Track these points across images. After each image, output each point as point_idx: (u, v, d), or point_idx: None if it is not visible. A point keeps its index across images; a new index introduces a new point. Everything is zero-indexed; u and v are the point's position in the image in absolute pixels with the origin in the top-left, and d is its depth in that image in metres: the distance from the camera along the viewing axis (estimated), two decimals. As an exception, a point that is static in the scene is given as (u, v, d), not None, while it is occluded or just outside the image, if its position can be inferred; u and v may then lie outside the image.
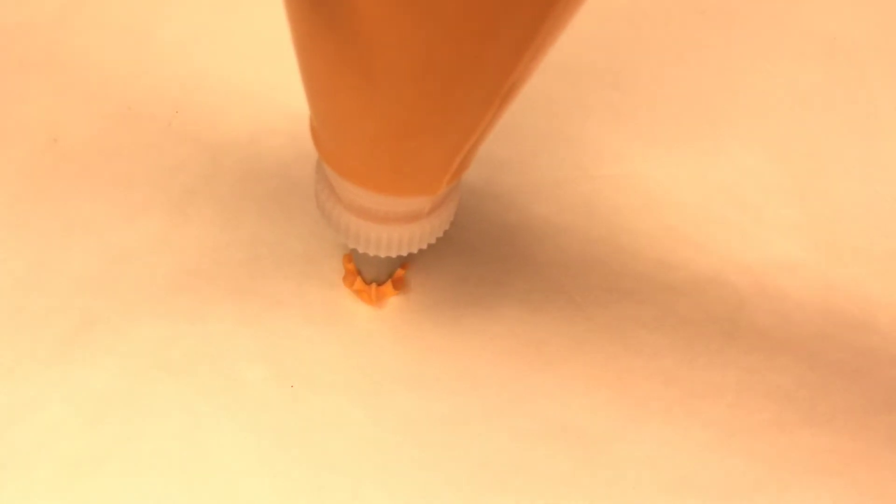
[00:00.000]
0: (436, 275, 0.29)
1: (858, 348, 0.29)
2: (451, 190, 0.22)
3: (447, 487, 0.25)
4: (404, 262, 0.28)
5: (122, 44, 0.33)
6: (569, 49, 0.34)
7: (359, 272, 0.27)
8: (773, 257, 0.30)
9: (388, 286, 0.27)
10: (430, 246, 0.24)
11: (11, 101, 0.31)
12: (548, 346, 0.28)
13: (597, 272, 0.29)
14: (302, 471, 0.25)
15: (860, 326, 0.29)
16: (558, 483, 0.26)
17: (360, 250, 0.22)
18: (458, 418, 0.26)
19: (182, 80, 0.32)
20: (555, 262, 0.29)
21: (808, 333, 0.29)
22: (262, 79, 0.32)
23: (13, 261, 0.28)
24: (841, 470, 0.26)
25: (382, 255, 0.22)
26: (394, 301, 0.28)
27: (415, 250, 0.22)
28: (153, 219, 0.29)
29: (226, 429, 0.26)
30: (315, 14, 0.13)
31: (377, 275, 0.27)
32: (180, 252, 0.28)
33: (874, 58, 0.35)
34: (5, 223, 0.29)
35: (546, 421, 0.27)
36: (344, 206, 0.21)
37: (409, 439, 0.26)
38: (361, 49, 0.13)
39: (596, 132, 0.32)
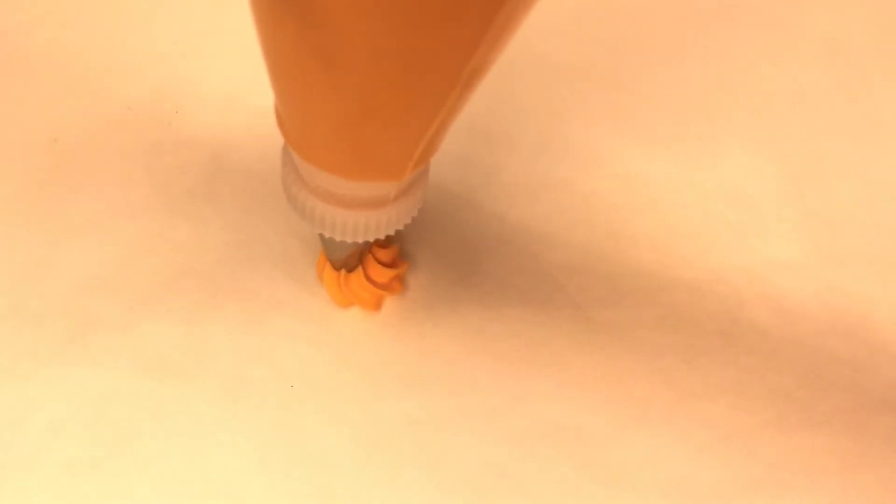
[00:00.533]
0: (435, 275, 0.29)
1: (858, 348, 0.29)
2: (417, 176, 0.21)
3: (447, 487, 0.25)
4: (403, 261, 0.28)
5: (122, 44, 0.33)
6: (569, 49, 0.34)
7: (327, 259, 0.27)
8: (773, 257, 0.30)
9: (359, 274, 0.27)
10: (429, 246, 0.24)
11: (11, 101, 0.31)
12: (548, 347, 0.28)
13: (597, 272, 0.29)
14: (302, 471, 0.25)
15: (860, 326, 0.29)
16: (558, 483, 0.26)
17: (326, 235, 0.22)
18: (458, 418, 0.26)
19: (182, 80, 0.32)
20: (555, 262, 0.29)
21: (808, 333, 0.29)
22: (261, 79, 0.32)
23: (13, 261, 0.28)
24: (841, 470, 0.26)
25: (349, 240, 0.22)
26: (393, 301, 0.28)
27: (381, 236, 0.22)
28: (153, 219, 0.29)
29: (226, 429, 0.26)
30: (276, 12, 0.14)
31: (345, 261, 0.26)
32: (180, 252, 0.28)
33: (874, 58, 0.35)
34: (5, 223, 0.29)
35: (546, 421, 0.27)
36: (309, 191, 0.21)
37: (409, 439, 0.26)
38: (320, 33, 0.13)
39: (596, 132, 0.32)
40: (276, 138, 0.31)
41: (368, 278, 0.27)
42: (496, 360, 0.27)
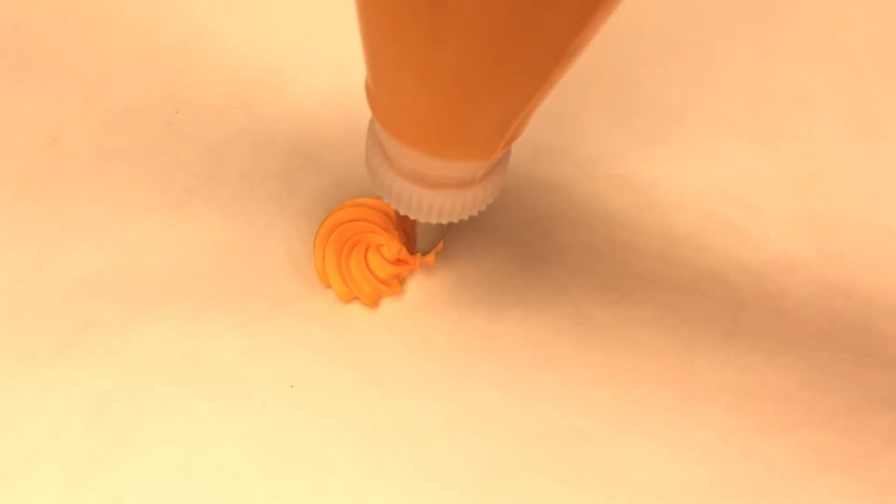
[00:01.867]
0: (436, 275, 0.29)
1: (858, 348, 0.29)
2: (502, 156, 0.21)
3: (447, 487, 0.25)
4: (408, 262, 0.28)
5: (122, 44, 0.33)
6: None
7: (404, 243, 0.27)
8: (773, 257, 0.30)
9: (431, 255, 0.27)
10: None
11: (11, 101, 0.31)
12: (548, 347, 0.28)
13: (597, 272, 0.29)
14: (302, 471, 0.25)
15: (860, 326, 0.29)
16: (558, 483, 0.26)
17: (412, 217, 0.22)
18: (459, 418, 0.26)
19: (182, 80, 0.32)
20: (555, 262, 0.29)
21: (808, 333, 0.29)
22: (261, 79, 0.32)
23: (13, 261, 0.28)
24: (841, 470, 0.26)
25: (433, 221, 0.22)
26: (393, 301, 0.28)
27: (465, 217, 0.22)
28: (153, 219, 0.29)
29: (226, 429, 0.26)
30: None
31: (428, 244, 0.26)
32: (180, 252, 0.28)
33: (874, 58, 0.35)
34: (5, 223, 0.29)
35: (546, 421, 0.27)
36: (396, 172, 0.21)
37: (409, 439, 0.26)
38: (427, 6, 0.13)
39: (596, 132, 0.32)
40: (275, 138, 0.31)
41: (370, 270, 0.27)
42: (496, 360, 0.27)
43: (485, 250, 0.30)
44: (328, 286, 0.28)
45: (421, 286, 0.29)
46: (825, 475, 0.26)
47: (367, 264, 0.27)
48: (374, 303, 0.28)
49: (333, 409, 0.26)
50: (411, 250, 0.27)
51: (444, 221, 0.22)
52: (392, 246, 0.27)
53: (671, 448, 0.26)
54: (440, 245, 0.28)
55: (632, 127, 0.33)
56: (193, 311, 0.27)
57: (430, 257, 0.28)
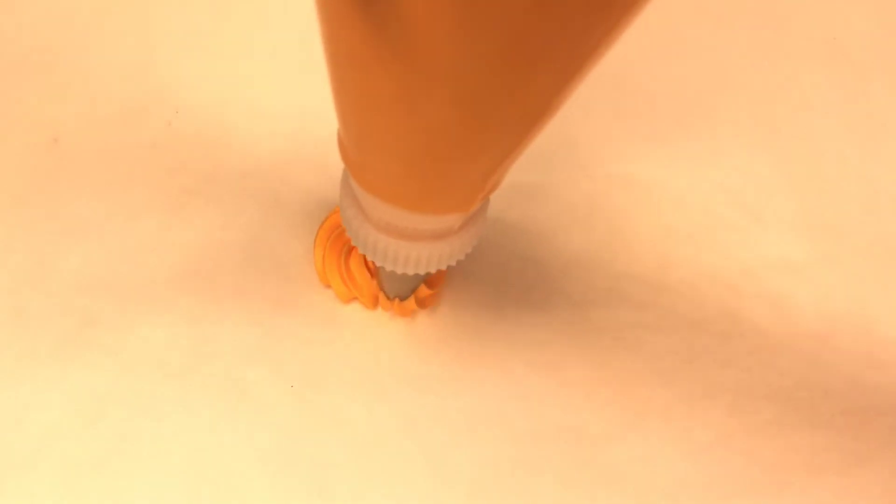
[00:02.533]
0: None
1: (858, 349, 0.29)
2: (481, 205, 0.21)
3: (447, 487, 0.25)
4: (435, 281, 0.28)
5: (122, 44, 0.33)
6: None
7: (381, 288, 0.27)
8: (773, 257, 0.30)
9: (411, 301, 0.27)
10: None
11: (11, 101, 0.31)
12: (548, 347, 0.28)
13: (597, 272, 0.29)
14: (302, 471, 0.25)
15: (860, 327, 0.29)
16: (558, 483, 0.26)
17: (388, 268, 0.22)
18: (459, 418, 0.26)
19: (182, 80, 0.32)
20: (555, 262, 0.29)
21: (808, 333, 0.29)
22: (261, 80, 0.32)
23: (13, 261, 0.28)
24: (841, 470, 0.26)
25: (410, 272, 0.21)
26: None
27: (443, 267, 0.22)
28: (153, 219, 0.29)
29: (226, 429, 0.26)
30: (359, 32, 0.13)
31: (400, 291, 0.26)
32: (180, 252, 0.28)
33: (874, 58, 0.35)
34: (5, 223, 0.29)
35: (546, 421, 0.27)
36: (371, 224, 0.21)
37: (410, 439, 0.26)
38: (405, 67, 0.13)
39: (596, 132, 0.32)
40: (275, 138, 0.31)
41: (370, 270, 0.27)
42: (496, 360, 0.27)
43: (484, 251, 0.30)
44: (328, 286, 0.28)
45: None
46: (825, 475, 0.26)
47: (366, 265, 0.27)
48: (373, 303, 0.28)
49: (333, 409, 0.26)
50: (390, 296, 0.27)
51: (422, 272, 0.22)
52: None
53: (671, 448, 0.26)
54: (433, 292, 0.28)
55: (632, 127, 0.33)
56: (193, 311, 0.27)
57: (410, 303, 0.27)
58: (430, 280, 0.27)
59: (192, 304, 0.28)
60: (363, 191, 0.19)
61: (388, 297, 0.27)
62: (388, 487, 0.25)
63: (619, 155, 0.32)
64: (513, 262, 0.29)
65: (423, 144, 0.15)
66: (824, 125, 0.33)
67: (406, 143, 0.16)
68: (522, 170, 0.31)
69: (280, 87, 0.32)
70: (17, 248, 0.28)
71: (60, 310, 0.27)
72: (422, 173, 0.17)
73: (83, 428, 0.25)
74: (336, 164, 0.30)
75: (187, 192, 0.30)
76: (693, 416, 0.27)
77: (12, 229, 0.28)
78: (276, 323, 0.27)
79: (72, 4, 0.33)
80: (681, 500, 0.26)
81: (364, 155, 0.18)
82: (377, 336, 0.28)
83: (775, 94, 0.34)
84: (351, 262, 0.27)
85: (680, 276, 0.29)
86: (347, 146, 0.18)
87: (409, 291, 0.26)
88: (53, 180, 0.29)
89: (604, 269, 0.29)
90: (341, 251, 0.27)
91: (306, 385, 0.27)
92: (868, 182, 0.32)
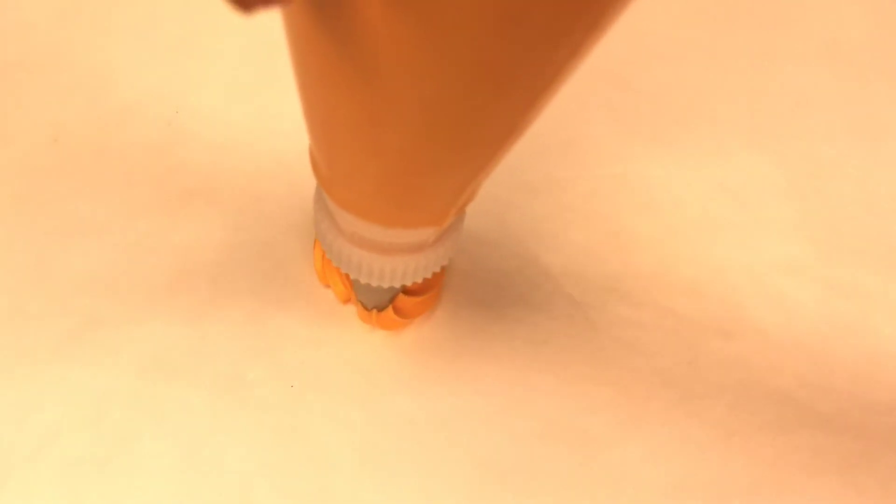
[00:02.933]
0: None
1: (858, 348, 0.29)
2: (456, 219, 0.21)
3: (447, 487, 0.25)
4: (433, 283, 0.28)
5: (122, 44, 0.33)
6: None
7: (357, 300, 0.27)
8: (773, 257, 0.30)
9: (389, 312, 0.27)
10: None
11: (11, 101, 0.31)
12: (548, 347, 0.28)
13: (597, 272, 0.29)
14: (302, 470, 0.25)
15: (860, 326, 0.29)
16: (558, 483, 0.26)
17: (363, 281, 0.22)
18: (458, 418, 0.26)
19: (182, 80, 0.32)
20: (555, 262, 0.29)
21: (808, 333, 0.29)
22: (261, 79, 0.32)
23: (13, 261, 0.28)
24: (841, 470, 0.26)
25: (385, 285, 0.22)
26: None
27: (418, 280, 0.22)
28: (153, 219, 0.29)
29: (226, 429, 0.26)
30: (325, 55, 0.13)
31: (377, 303, 0.26)
32: (180, 252, 0.28)
33: (874, 58, 0.35)
34: (5, 223, 0.29)
35: (546, 421, 0.27)
36: (345, 238, 0.21)
37: (409, 439, 0.26)
38: (371, 89, 0.13)
39: (596, 132, 0.32)
40: (275, 138, 0.31)
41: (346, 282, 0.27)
42: (496, 360, 0.27)
43: (484, 251, 0.30)
44: (328, 286, 0.28)
45: (421, 286, 0.29)
46: (825, 475, 0.26)
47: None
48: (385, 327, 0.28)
49: (333, 409, 0.26)
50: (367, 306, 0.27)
51: (397, 284, 0.22)
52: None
53: (671, 448, 0.26)
54: (429, 306, 0.27)
55: (632, 127, 0.33)
56: (193, 311, 0.27)
57: (388, 313, 0.27)
58: (427, 282, 0.27)
59: (192, 304, 0.28)
60: (336, 205, 0.19)
61: (366, 308, 0.27)
62: (387, 487, 0.25)
63: (619, 155, 0.32)
64: (513, 262, 0.29)
65: (391, 164, 0.15)
66: (824, 125, 0.33)
67: (374, 163, 0.16)
68: (522, 169, 0.31)
69: (280, 88, 0.32)
70: (17, 248, 0.28)
71: (60, 310, 0.27)
72: (391, 191, 0.17)
73: (83, 428, 0.25)
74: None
75: (187, 192, 0.30)
76: (692, 416, 0.27)
77: (12, 229, 0.28)
78: (276, 323, 0.27)
79: (72, 5, 0.33)
80: (681, 500, 0.26)
81: (334, 172, 0.18)
82: (377, 336, 0.28)
83: (775, 94, 0.34)
84: None
85: (680, 276, 0.29)
86: (319, 162, 0.18)
87: (387, 302, 0.26)
88: (53, 180, 0.29)
89: (604, 268, 0.30)
90: None
91: (306, 385, 0.27)
92: (868, 182, 0.32)
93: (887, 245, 0.31)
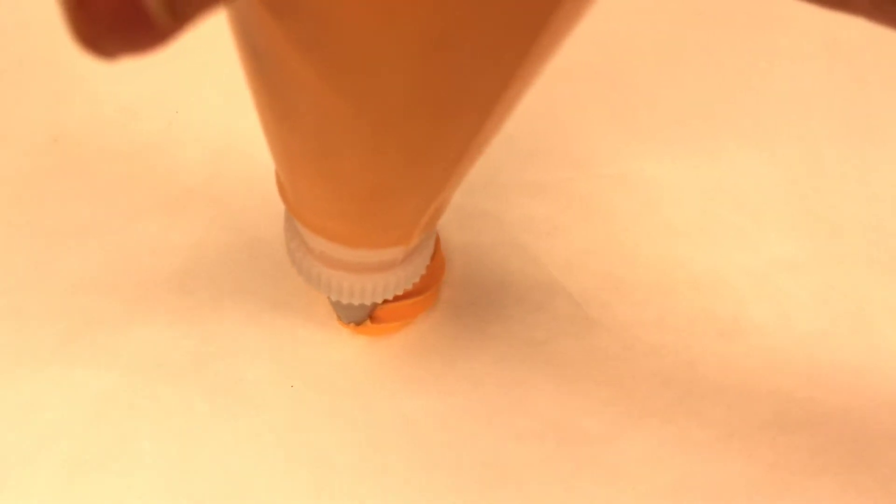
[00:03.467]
0: (436, 275, 0.29)
1: (858, 348, 0.29)
2: (426, 237, 0.21)
3: (447, 488, 0.25)
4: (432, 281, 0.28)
5: (122, 44, 0.33)
6: (568, 49, 0.34)
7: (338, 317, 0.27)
8: (773, 257, 0.30)
9: (367, 326, 0.27)
10: None
11: (11, 101, 0.31)
12: (548, 347, 0.28)
13: (597, 272, 0.29)
14: (302, 471, 0.25)
15: (860, 326, 0.29)
16: (558, 483, 0.26)
17: (333, 298, 0.22)
18: (458, 418, 0.26)
19: (182, 80, 0.32)
20: (555, 262, 0.29)
21: (808, 333, 0.29)
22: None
23: (13, 261, 0.28)
24: (840, 470, 0.26)
25: (356, 302, 0.22)
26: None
27: (390, 297, 0.22)
28: (153, 219, 0.29)
29: (226, 429, 0.26)
30: (275, 87, 0.13)
31: (354, 318, 0.26)
32: (181, 252, 0.28)
33: (874, 58, 0.35)
34: (5, 223, 0.29)
35: (546, 421, 0.27)
36: (314, 257, 0.21)
37: (409, 440, 0.26)
38: (319, 120, 0.13)
39: (596, 132, 0.32)
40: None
41: None
42: (496, 359, 0.27)
43: (483, 250, 0.30)
44: None
45: (421, 286, 0.29)
46: (825, 475, 0.26)
47: None
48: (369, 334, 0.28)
49: (333, 409, 0.26)
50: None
51: (367, 302, 0.22)
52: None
53: (671, 448, 0.26)
54: (427, 305, 0.27)
55: (631, 127, 0.33)
56: (193, 311, 0.27)
57: (369, 327, 0.27)
58: (424, 282, 0.27)
59: (193, 304, 0.28)
60: (304, 228, 0.19)
61: (344, 323, 0.27)
62: (388, 487, 0.25)
63: (618, 154, 0.32)
64: (513, 262, 0.29)
65: (347, 190, 0.15)
66: (824, 125, 0.33)
67: (332, 189, 0.16)
68: (522, 169, 0.31)
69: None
70: (17, 248, 0.28)
71: (60, 310, 0.27)
72: (351, 215, 0.17)
73: (83, 428, 0.25)
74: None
75: (187, 193, 0.30)
76: (692, 416, 0.27)
77: (12, 229, 0.28)
78: (276, 323, 0.27)
79: (72, 4, 0.33)
80: (681, 500, 0.26)
81: (296, 195, 0.18)
82: (376, 336, 0.28)
83: (775, 94, 0.34)
84: None
85: (680, 276, 0.29)
86: (285, 186, 0.18)
87: (363, 317, 0.26)
88: (53, 180, 0.29)
89: (604, 268, 0.30)
90: None
91: (306, 385, 0.27)
92: (868, 182, 0.32)
93: (887, 245, 0.31)
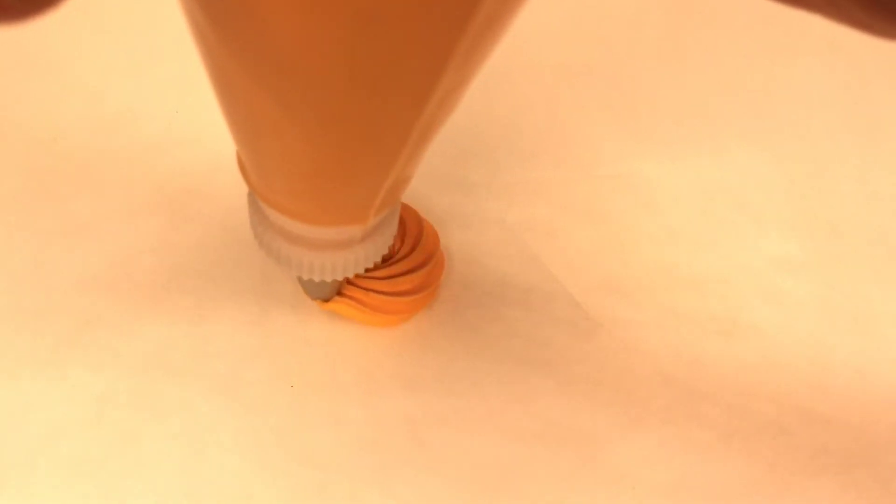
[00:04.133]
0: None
1: (858, 348, 0.29)
2: (385, 216, 0.21)
3: (447, 488, 0.25)
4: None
5: (121, 44, 0.33)
6: (569, 49, 0.34)
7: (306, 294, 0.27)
8: (773, 256, 0.30)
9: (337, 302, 0.27)
10: None
11: (11, 101, 0.31)
12: (548, 347, 0.28)
13: (597, 272, 0.29)
14: (302, 471, 0.25)
15: (860, 326, 0.29)
16: (558, 483, 0.26)
17: (294, 274, 0.22)
18: (458, 418, 0.26)
19: (182, 80, 0.32)
20: (555, 262, 0.29)
21: (808, 333, 0.29)
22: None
23: (13, 261, 0.28)
24: (840, 470, 0.26)
25: (316, 279, 0.22)
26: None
27: (350, 275, 0.22)
28: (153, 219, 0.29)
29: (226, 429, 0.26)
30: (215, 64, 0.13)
31: (320, 295, 0.26)
32: (180, 252, 0.28)
33: (874, 58, 0.35)
34: (5, 223, 0.29)
35: (546, 421, 0.27)
36: (275, 232, 0.21)
37: (409, 439, 0.26)
38: (256, 97, 0.13)
39: (596, 132, 0.32)
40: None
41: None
42: (496, 359, 0.27)
43: (484, 251, 0.30)
44: None
45: (421, 286, 0.29)
46: (825, 475, 0.26)
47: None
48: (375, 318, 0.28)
49: (333, 409, 0.26)
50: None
51: (328, 279, 0.22)
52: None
53: (671, 448, 0.26)
54: (425, 303, 0.27)
55: (631, 127, 0.33)
56: (193, 311, 0.27)
57: (338, 305, 0.27)
58: (422, 282, 0.27)
59: (192, 304, 0.28)
60: (262, 202, 0.19)
61: (312, 298, 0.27)
62: (387, 487, 0.25)
63: (619, 155, 0.32)
64: (513, 262, 0.29)
65: (299, 167, 0.16)
66: (824, 125, 0.33)
67: (284, 166, 0.16)
68: (522, 169, 0.31)
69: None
70: (17, 248, 0.28)
71: (60, 310, 0.27)
72: (307, 192, 0.17)
73: (83, 428, 0.25)
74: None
75: (187, 192, 0.30)
76: (692, 416, 0.27)
77: (12, 229, 0.28)
78: (276, 323, 0.27)
79: (72, 4, 0.33)
80: (681, 500, 0.26)
81: (253, 170, 0.18)
82: (377, 335, 0.28)
83: (775, 94, 0.34)
84: None
85: (680, 276, 0.29)
86: (243, 162, 0.19)
87: (329, 294, 0.26)
88: (53, 180, 0.29)
89: (604, 268, 0.30)
90: None
91: (306, 385, 0.27)
92: (868, 182, 0.32)
93: (887, 244, 0.31)
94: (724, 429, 0.27)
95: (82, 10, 0.33)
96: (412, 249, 0.27)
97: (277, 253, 0.21)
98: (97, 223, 0.29)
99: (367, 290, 0.26)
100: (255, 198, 0.21)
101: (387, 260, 0.27)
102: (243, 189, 0.30)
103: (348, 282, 0.27)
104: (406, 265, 0.27)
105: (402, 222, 0.28)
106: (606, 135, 0.32)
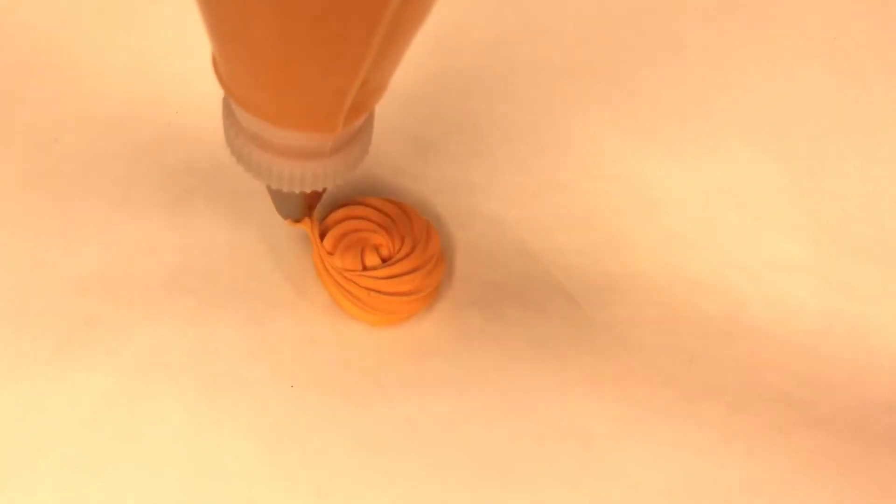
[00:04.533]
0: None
1: (858, 348, 0.29)
2: (356, 131, 0.22)
3: (447, 487, 0.25)
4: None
5: (122, 44, 0.33)
6: (569, 49, 0.34)
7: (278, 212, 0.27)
8: (773, 257, 0.30)
9: (307, 223, 0.27)
10: None
11: (11, 101, 0.31)
12: (548, 347, 0.28)
13: (597, 272, 0.29)
14: (302, 470, 0.25)
15: (860, 326, 0.29)
16: (558, 483, 0.26)
17: (263, 182, 0.22)
18: (458, 418, 0.26)
19: (182, 80, 0.32)
20: (555, 262, 0.29)
21: (808, 333, 0.29)
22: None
23: (13, 261, 0.28)
24: (841, 470, 0.26)
25: (285, 189, 0.22)
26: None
27: (319, 188, 0.22)
28: (153, 219, 0.29)
29: (226, 429, 0.26)
30: None
31: (289, 213, 0.26)
32: (181, 252, 0.28)
33: (874, 58, 0.35)
34: (5, 223, 0.29)
35: (546, 421, 0.27)
36: (247, 138, 0.21)
37: (409, 439, 0.26)
38: None
39: (596, 132, 0.32)
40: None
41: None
42: (496, 360, 0.27)
43: (484, 250, 0.30)
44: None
45: (421, 286, 0.29)
46: (825, 475, 0.26)
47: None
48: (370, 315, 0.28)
49: (333, 409, 0.26)
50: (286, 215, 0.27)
51: (296, 190, 0.22)
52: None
53: (671, 448, 0.26)
54: (425, 303, 0.28)
55: (632, 127, 0.33)
56: (193, 311, 0.27)
57: (307, 224, 0.27)
58: (430, 277, 0.27)
59: (192, 304, 0.28)
60: (235, 104, 0.20)
61: (283, 217, 0.27)
62: (387, 487, 0.25)
63: (619, 155, 0.32)
64: (513, 262, 0.29)
65: (265, 57, 0.16)
66: (824, 125, 0.33)
67: (251, 56, 0.17)
68: (522, 169, 0.31)
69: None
70: (18, 248, 0.28)
71: (60, 310, 0.27)
72: (274, 86, 0.18)
73: (83, 428, 0.25)
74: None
75: (188, 192, 0.30)
76: (692, 416, 0.27)
77: (12, 229, 0.28)
78: (276, 323, 0.27)
79: (72, 4, 0.33)
80: (681, 501, 0.26)
81: (224, 64, 0.18)
82: (377, 335, 0.28)
83: (775, 94, 0.34)
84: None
85: (679, 276, 0.29)
86: (217, 59, 0.19)
87: (298, 213, 0.27)
88: (53, 180, 0.29)
89: (604, 268, 0.30)
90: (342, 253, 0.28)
91: (306, 385, 0.27)
92: (868, 182, 0.32)
93: (887, 244, 0.31)
94: (724, 429, 0.27)
95: (81, 10, 0.33)
96: (413, 250, 0.27)
97: (248, 159, 0.21)
98: (97, 223, 0.29)
99: (368, 289, 0.26)
100: (230, 101, 0.21)
101: (387, 260, 0.27)
102: (243, 189, 0.30)
103: (349, 281, 0.27)
104: (407, 265, 0.27)
105: (402, 222, 0.28)
106: (606, 135, 0.32)
